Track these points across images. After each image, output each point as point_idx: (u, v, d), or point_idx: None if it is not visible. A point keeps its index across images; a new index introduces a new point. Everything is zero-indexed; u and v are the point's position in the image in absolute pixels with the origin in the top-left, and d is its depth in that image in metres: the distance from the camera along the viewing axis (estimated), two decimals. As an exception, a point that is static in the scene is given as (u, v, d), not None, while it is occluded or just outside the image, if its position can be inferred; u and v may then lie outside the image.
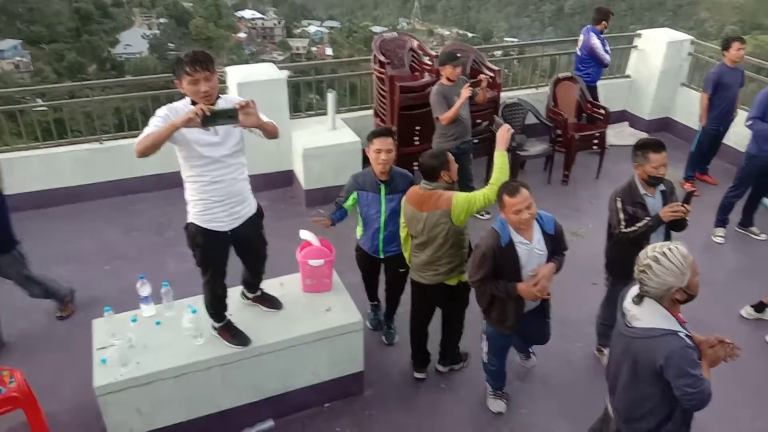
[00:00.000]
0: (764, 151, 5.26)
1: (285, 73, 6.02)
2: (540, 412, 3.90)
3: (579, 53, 7.11)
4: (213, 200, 3.09)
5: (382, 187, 3.83)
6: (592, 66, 7.03)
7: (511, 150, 6.01)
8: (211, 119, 2.71)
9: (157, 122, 2.82)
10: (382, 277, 4.31)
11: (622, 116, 8.03)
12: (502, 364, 3.79)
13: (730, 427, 3.84)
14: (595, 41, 6.89)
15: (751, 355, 4.46)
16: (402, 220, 3.75)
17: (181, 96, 2.96)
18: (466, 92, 5.14)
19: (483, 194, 3.47)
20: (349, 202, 3.92)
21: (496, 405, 3.91)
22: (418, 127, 5.98)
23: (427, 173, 3.58)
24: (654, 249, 2.45)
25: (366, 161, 3.98)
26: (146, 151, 2.74)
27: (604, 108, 6.79)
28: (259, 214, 3.41)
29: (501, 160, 3.52)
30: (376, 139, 3.74)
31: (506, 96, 6.91)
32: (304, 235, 3.89)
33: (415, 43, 6.57)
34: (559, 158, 6.68)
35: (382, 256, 4.06)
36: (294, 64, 9.85)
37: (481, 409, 3.93)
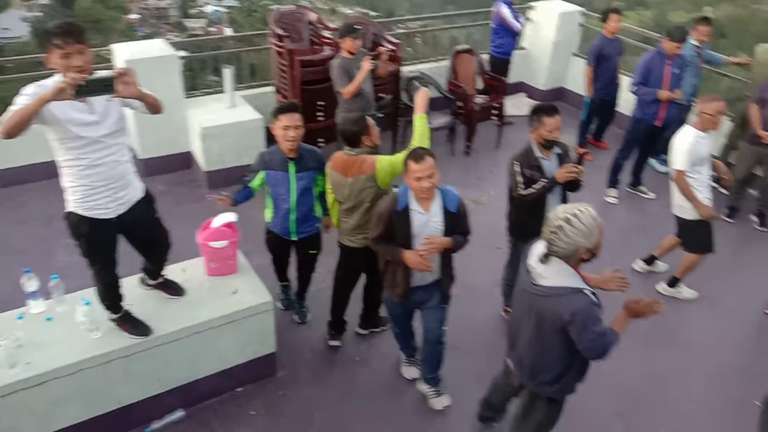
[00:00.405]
0: (648, 114, 5.59)
1: (179, 53, 5.73)
2: (452, 375, 3.97)
3: (493, 25, 7.23)
4: (94, 185, 2.86)
5: (291, 165, 3.72)
6: (504, 37, 7.15)
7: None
8: (85, 89, 2.48)
9: (23, 100, 2.55)
10: (292, 258, 4.23)
11: (520, 87, 8.27)
12: (404, 330, 3.80)
13: (622, 372, 4.09)
14: (505, 10, 7.00)
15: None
16: (328, 186, 3.75)
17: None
18: (367, 65, 5.10)
19: (405, 157, 3.48)
20: (257, 182, 3.79)
21: (409, 372, 3.96)
22: (321, 102, 5.88)
23: (348, 140, 3.61)
24: (565, 211, 2.52)
25: (270, 140, 3.84)
26: (12, 131, 2.48)
27: (500, 79, 6.96)
28: (148, 198, 3.21)
29: (420, 122, 3.59)
30: (282, 116, 3.61)
31: (408, 70, 6.94)
32: (223, 219, 3.73)
33: (314, 16, 6.43)
34: (461, 130, 6.81)
35: (294, 239, 3.94)
36: (187, 40, 9.41)
37: (396, 377, 3.97)
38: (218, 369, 3.68)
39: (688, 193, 4.35)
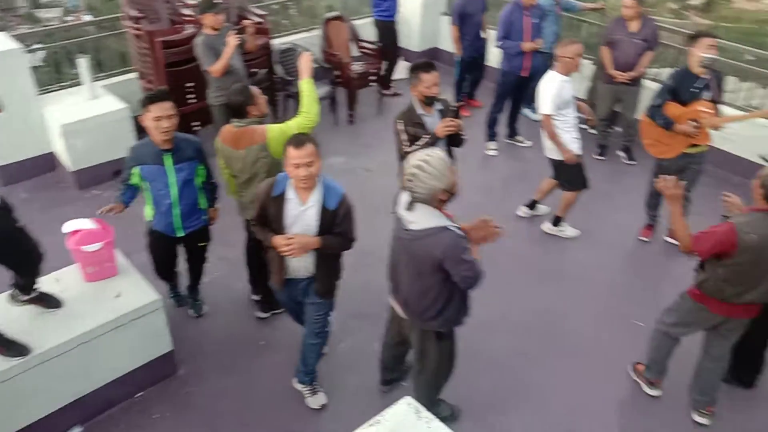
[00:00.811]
0: (514, 66, 5.80)
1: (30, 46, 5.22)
2: (357, 341, 4.01)
3: None
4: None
5: (167, 158, 3.48)
6: (387, 1, 7.07)
7: (294, 96, 5.93)
8: None
9: None
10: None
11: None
12: (295, 317, 3.69)
13: (521, 311, 4.34)
14: None
15: (531, 245, 5.05)
16: (221, 161, 3.63)
17: None
18: (232, 40, 4.89)
19: (296, 123, 3.53)
20: (134, 178, 3.53)
21: None
22: (190, 84, 5.59)
23: (235, 111, 3.56)
24: (416, 158, 2.67)
25: (141, 129, 3.58)
26: None
27: (374, 44, 6.95)
28: (4, 209, 2.93)
29: (308, 87, 3.56)
30: (152, 106, 3.35)
31: (280, 42, 6.75)
32: (72, 226, 3.46)
33: (170, -6, 6.07)
34: (342, 98, 6.76)
35: (181, 234, 3.72)
36: (39, 30, 8.62)
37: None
38: (113, 377, 3.49)
39: (553, 136, 4.58)
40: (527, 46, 5.64)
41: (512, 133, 6.44)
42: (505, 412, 3.63)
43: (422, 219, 2.73)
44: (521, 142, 6.43)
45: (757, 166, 4.58)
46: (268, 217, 3.10)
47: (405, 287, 2.97)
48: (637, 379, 3.80)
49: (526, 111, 6.82)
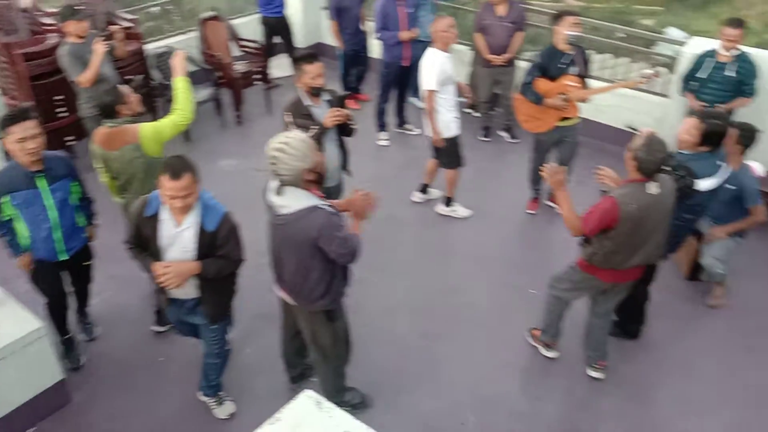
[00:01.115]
0: (395, 56, 5.90)
1: None
2: (262, 343, 3.96)
3: None
4: None
5: (40, 180, 3.26)
6: None
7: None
8: None
9: None
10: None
11: (280, 48, 8.17)
12: (183, 332, 3.54)
13: (421, 291, 4.46)
14: None
15: (428, 228, 5.19)
16: (98, 165, 3.56)
17: None
18: (99, 47, 4.65)
19: (171, 120, 3.47)
20: (7, 210, 3.27)
21: None
22: (59, 97, 5.27)
23: (106, 112, 3.51)
24: (276, 141, 2.69)
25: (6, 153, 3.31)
26: None
27: (255, 42, 6.84)
28: None
29: (182, 84, 3.50)
30: (13, 127, 3.09)
31: (155, 46, 6.49)
32: None
33: (27, 2, 5.66)
34: (228, 100, 6.61)
35: (65, 258, 3.49)
36: None
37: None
38: (-1, 416, 3.24)
39: (431, 114, 4.71)
40: (404, 35, 5.76)
41: (402, 122, 6.56)
42: (414, 391, 3.71)
43: (293, 202, 2.75)
44: (411, 130, 6.56)
45: (629, 134, 4.92)
46: (143, 237, 2.93)
47: (288, 273, 2.98)
48: (535, 344, 4.01)
49: (412, 99, 6.96)
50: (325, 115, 3.84)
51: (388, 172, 5.90)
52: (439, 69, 4.60)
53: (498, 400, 3.67)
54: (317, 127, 3.79)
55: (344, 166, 4.16)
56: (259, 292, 4.13)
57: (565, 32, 4.55)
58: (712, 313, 4.34)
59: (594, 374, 3.82)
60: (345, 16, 6.36)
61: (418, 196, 5.46)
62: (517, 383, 3.82)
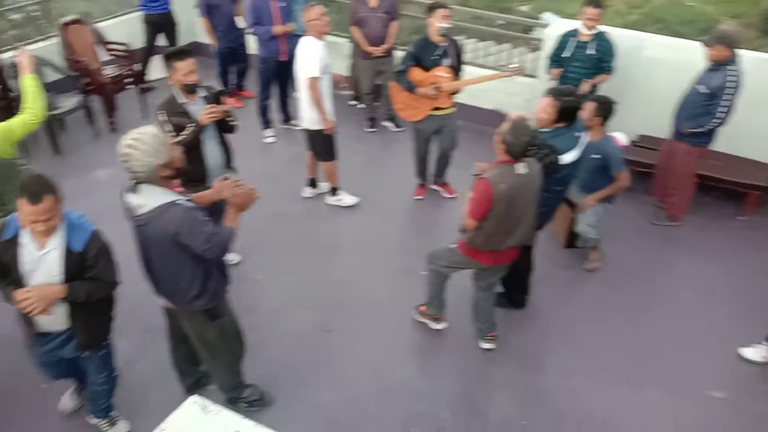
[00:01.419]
0: (271, 51, 5.84)
1: None
2: (154, 355, 3.80)
3: None
4: None
5: None
6: None
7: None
8: None
9: None
10: None
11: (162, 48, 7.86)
12: (53, 373, 3.25)
13: (314, 286, 4.44)
14: None
15: (319, 222, 5.21)
16: None
17: None
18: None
19: (21, 119, 3.33)
20: None
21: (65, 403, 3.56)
22: None
23: None
24: (127, 137, 2.61)
25: None
26: None
27: (124, 45, 6.52)
28: None
29: (30, 82, 3.39)
30: None
31: (10, 55, 6.00)
32: None
33: None
34: (99, 107, 6.28)
35: None
36: None
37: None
38: None
39: (318, 102, 4.70)
40: (278, 29, 5.70)
41: (287, 118, 6.49)
42: (312, 384, 3.72)
43: (149, 200, 2.66)
44: (297, 125, 6.48)
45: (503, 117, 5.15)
46: (2, 264, 2.69)
47: (159, 276, 2.89)
48: (423, 320, 4.13)
49: (295, 94, 6.91)
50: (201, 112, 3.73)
51: (275, 169, 5.84)
52: (318, 56, 4.59)
53: (398, 385, 3.75)
54: (193, 124, 3.69)
55: (228, 163, 4.08)
56: (145, 304, 3.92)
57: (437, 24, 4.67)
58: (589, 277, 4.65)
59: (486, 346, 3.99)
60: (216, 12, 6.21)
61: (308, 191, 5.45)
62: (415, 365, 3.91)
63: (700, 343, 4.07)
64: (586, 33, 5.18)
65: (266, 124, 6.29)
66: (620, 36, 5.48)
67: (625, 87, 5.40)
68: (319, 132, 4.85)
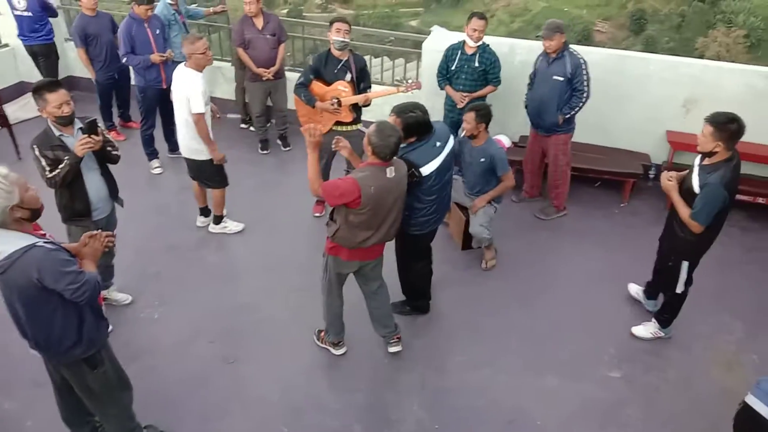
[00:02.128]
0: (151, 80, 5.65)
1: None
2: (41, 412, 3.53)
3: (29, 14, 6.44)
4: None
5: None
6: (46, 23, 6.52)
7: None
8: None
9: None
10: None
11: (21, 88, 7.42)
12: None
13: (208, 315, 4.30)
14: None
15: (215, 250, 5.05)
16: None
17: None
18: None
19: None
20: None
21: None
22: None
23: None
24: None
25: None
26: None
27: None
28: None
29: None
30: None
31: None
32: None
33: None
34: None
35: None
36: None
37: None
38: None
39: (207, 136, 4.62)
40: (155, 57, 5.54)
41: (173, 147, 6.23)
42: (222, 417, 3.60)
43: (5, 245, 2.49)
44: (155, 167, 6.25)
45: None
46: None
47: (31, 326, 2.70)
48: (324, 346, 4.08)
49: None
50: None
51: (165, 200, 5.64)
52: (202, 90, 4.51)
53: (308, 405, 3.69)
54: (69, 157, 3.51)
55: (113, 196, 3.91)
56: (30, 358, 3.69)
57: (333, 38, 4.71)
58: (486, 275, 4.80)
59: (393, 349, 4.02)
60: (93, 43, 5.97)
61: (201, 221, 5.29)
62: (324, 382, 3.87)
63: (595, 326, 4.31)
64: (471, 45, 5.31)
65: (152, 155, 6.06)
66: (494, 44, 5.73)
67: (503, 92, 5.66)
68: (204, 162, 4.76)
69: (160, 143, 6.17)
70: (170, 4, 6.06)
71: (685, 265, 3.88)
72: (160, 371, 3.80)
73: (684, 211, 3.64)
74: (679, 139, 5.56)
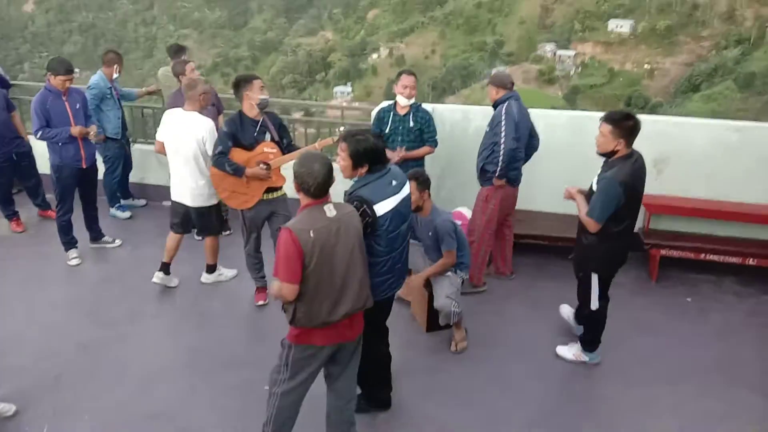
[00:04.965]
0: (67, 158, 4.96)
1: None
2: None
3: None
4: None
5: None
6: None
7: None
8: None
9: None
10: None
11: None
12: None
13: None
14: None
15: (134, 346, 4.19)
16: None
17: None
18: None
19: None
20: None
21: None
22: None
23: None
24: None
25: None
26: None
27: None
28: None
29: None
30: None
31: None
32: None
33: None
34: None
35: None
36: None
37: None
38: None
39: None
40: (76, 130, 4.87)
41: (96, 236, 5.50)
42: None
43: None
44: (110, 242, 5.56)
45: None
46: None
47: None
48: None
49: (115, 212, 6.09)
50: None
51: (80, 295, 4.83)
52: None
53: None
54: None
55: None
56: None
57: (257, 97, 4.17)
58: (457, 359, 4.08)
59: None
60: None
61: (159, 277, 4.86)
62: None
63: (596, 413, 3.58)
64: (403, 105, 4.87)
65: (69, 244, 5.25)
66: (447, 110, 5.40)
67: (459, 162, 5.23)
68: (214, 206, 4.75)
69: (83, 233, 5.43)
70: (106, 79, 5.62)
71: (595, 277, 3.78)
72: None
73: (583, 210, 3.64)
74: (655, 201, 5.08)
